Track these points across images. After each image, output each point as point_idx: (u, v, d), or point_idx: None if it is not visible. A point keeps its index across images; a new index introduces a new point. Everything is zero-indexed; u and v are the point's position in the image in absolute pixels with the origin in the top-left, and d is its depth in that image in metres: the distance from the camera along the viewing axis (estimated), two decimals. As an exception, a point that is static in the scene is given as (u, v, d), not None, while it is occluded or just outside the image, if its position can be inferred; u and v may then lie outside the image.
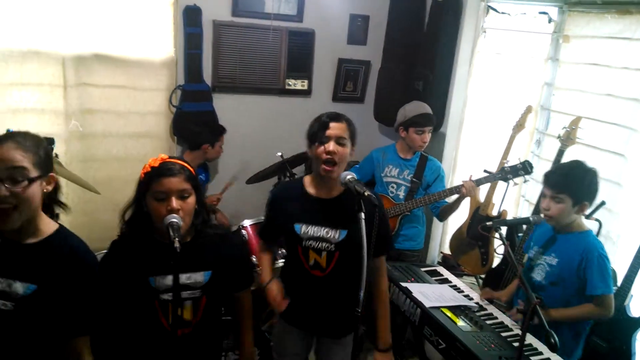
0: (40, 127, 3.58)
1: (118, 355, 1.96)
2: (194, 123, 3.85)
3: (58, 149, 3.55)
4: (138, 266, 1.88)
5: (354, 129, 2.23)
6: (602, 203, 2.74)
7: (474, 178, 3.10)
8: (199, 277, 1.92)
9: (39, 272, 1.69)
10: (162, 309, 1.89)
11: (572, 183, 2.34)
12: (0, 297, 1.66)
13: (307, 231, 2.23)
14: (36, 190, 1.65)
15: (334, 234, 2.23)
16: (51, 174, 1.72)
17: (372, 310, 2.33)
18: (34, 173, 1.63)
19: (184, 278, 1.87)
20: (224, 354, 3.02)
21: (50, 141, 1.81)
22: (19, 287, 1.67)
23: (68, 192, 3.71)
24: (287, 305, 2.29)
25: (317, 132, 2.17)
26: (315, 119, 2.24)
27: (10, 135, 1.67)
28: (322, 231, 2.23)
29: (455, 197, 3.17)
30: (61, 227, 1.80)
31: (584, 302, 2.37)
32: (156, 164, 1.86)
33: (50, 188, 1.72)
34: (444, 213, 3.33)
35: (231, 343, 3.04)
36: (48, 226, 1.76)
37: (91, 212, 3.74)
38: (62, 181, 3.42)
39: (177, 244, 1.64)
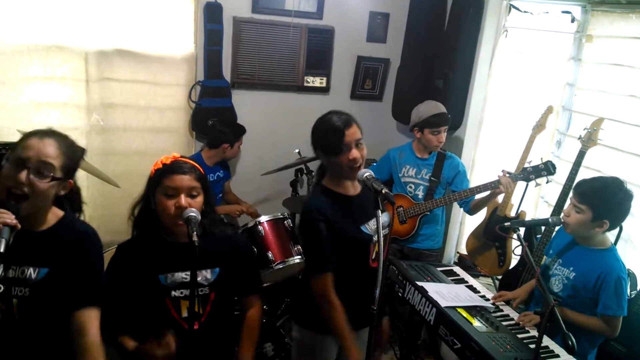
0: (62, 120, 3.65)
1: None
2: (217, 122, 3.88)
3: (79, 142, 3.58)
4: (146, 265, 1.90)
5: (359, 124, 2.19)
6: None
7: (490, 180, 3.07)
8: (207, 274, 1.95)
9: (48, 256, 1.75)
10: (174, 306, 1.91)
11: (598, 198, 2.28)
12: (16, 284, 1.71)
13: (370, 226, 2.23)
14: (52, 189, 1.71)
15: (385, 218, 2.23)
16: (70, 180, 1.78)
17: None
18: (58, 174, 1.70)
19: None
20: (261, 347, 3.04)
21: (83, 151, 1.92)
22: (31, 272, 1.72)
23: (88, 185, 3.78)
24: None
25: (334, 143, 2.11)
26: (324, 127, 2.17)
27: (54, 133, 1.77)
28: (369, 225, 2.24)
29: (486, 193, 3.14)
30: (66, 213, 1.85)
31: (596, 315, 2.35)
32: (168, 162, 1.89)
33: (63, 192, 1.78)
34: (475, 208, 3.29)
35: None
36: (55, 214, 1.81)
37: (110, 205, 3.80)
38: (83, 174, 3.52)
39: (195, 238, 1.67)
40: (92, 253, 1.84)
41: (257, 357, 3.09)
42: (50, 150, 1.69)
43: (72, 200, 1.92)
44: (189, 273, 1.89)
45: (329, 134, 2.13)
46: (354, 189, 2.27)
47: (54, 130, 1.80)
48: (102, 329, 1.81)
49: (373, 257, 2.28)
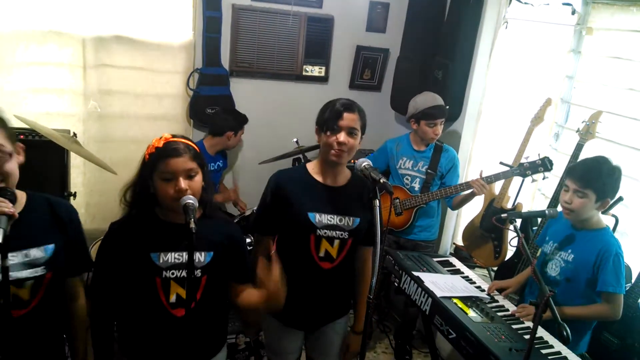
0: (59, 106, 3.64)
1: (119, 332, 2.01)
2: (221, 110, 3.89)
3: (76, 128, 3.61)
4: (139, 243, 1.87)
5: (365, 119, 2.21)
6: (620, 199, 2.70)
7: (489, 173, 3.07)
8: (201, 257, 1.92)
9: (46, 233, 1.77)
10: (163, 287, 1.87)
11: (599, 179, 2.31)
12: (27, 268, 1.71)
13: (322, 219, 2.20)
14: (15, 164, 1.69)
15: (348, 221, 2.22)
16: (19, 143, 1.74)
17: (354, 296, 2.41)
18: (9, 147, 1.66)
19: (185, 257, 1.83)
20: (235, 336, 3.05)
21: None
22: (39, 252, 1.74)
23: (85, 171, 3.77)
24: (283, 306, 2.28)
25: (329, 120, 2.14)
26: (328, 105, 2.21)
27: None
28: (335, 219, 2.21)
29: (467, 191, 3.17)
30: (28, 191, 1.83)
31: (596, 300, 2.36)
32: (160, 144, 1.84)
33: (22, 159, 1.75)
34: (456, 204, 3.36)
35: (236, 326, 3.06)
36: (21, 194, 1.78)
37: (107, 191, 3.79)
38: (80, 160, 3.51)
39: (192, 225, 1.64)
40: (79, 224, 1.93)
41: (253, 344, 3.11)
42: None
43: None
44: (181, 254, 1.87)
45: (327, 111, 2.17)
46: (333, 180, 2.26)
47: None
48: (93, 309, 1.96)
49: (321, 254, 2.23)
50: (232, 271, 2.04)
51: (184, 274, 1.87)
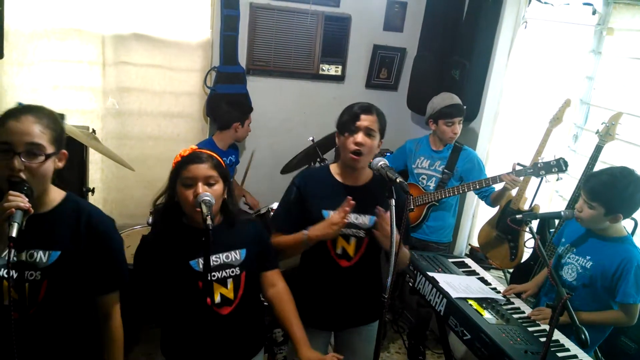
0: (78, 103, 3.68)
1: (169, 338, 2.03)
2: (224, 103, 3.87)
3: (95, 125, 3.64)
4: (176, 253, 1.92)
5: (384, 122, 2.22)
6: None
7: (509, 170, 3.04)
8: (236, 255, 1.99)
9: (59, 239, 1.71)
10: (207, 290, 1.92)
11: (608, 193, 2.25)
12: (26, 268, 1.66)
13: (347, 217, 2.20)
14: (49, 167, 1.65)
15: (364, 220, 2.23)
16: (63, 150, 1.71)
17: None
18: (49, 150, 1.63)
19: (223, 257, 1.96)
20: (272, 331, 3.08)
21: (62, 117, 1.82)
22: (41, 255, 1.68)
23: (103, 167, 3.82)
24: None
25: (347, 122, 2.17)
26: (346, 109, 2.23)
27: (29, 109, 1.64)
28: (350, 217, 2.21)
29: (501, 185, 3.12)
30: (69, 193, 1.80)
31: (611, 305, 2.34)
32: (186, 154, 1.93)
33: (61, 165, 1.72)
34: (494, 200, 3.27)
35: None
36: (58, 194, 1.76)
37: (125, 188, 3.84)
38: (98, 156, 3.55)
39: (209, 221, 1.69)
40: (111, 237, 1.83)
41: (267, 341, 3.12)
42: (32, 128, 1.58)
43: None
44: (219, 256, 1.95)
45: (346, 113, 2.20)
46: (353, 180, 2.28)
47: (27, 105, 1.70)
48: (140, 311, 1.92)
49: (339, 251, 2.25)
50: (263, 262, 2.12)
51: (224, 274, 1.95)
